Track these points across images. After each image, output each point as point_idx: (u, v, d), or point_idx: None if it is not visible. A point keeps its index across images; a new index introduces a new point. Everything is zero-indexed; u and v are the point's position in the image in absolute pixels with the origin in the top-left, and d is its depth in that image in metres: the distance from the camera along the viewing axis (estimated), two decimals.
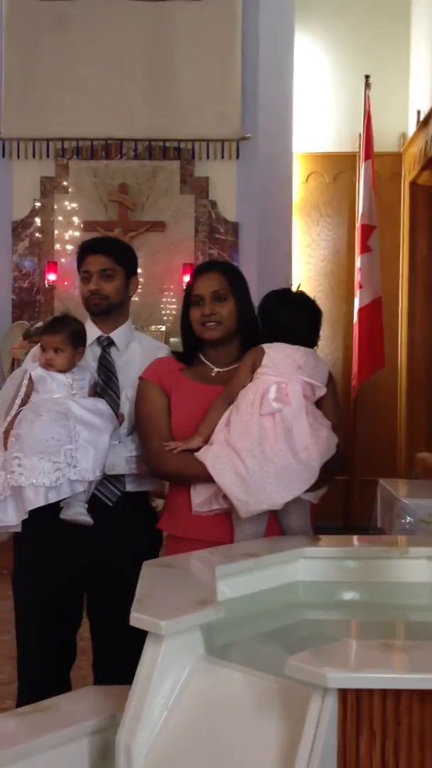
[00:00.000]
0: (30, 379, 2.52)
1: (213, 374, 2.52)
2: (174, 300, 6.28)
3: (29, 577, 2.62)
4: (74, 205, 6.40)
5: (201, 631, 1.57)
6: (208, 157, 6.30)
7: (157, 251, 6.33)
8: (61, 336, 2.52)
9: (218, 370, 2.52)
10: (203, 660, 1.55)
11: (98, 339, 2.67)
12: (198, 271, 2.58)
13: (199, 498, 2.39)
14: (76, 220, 6.38)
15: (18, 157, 6.36)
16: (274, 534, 2.35)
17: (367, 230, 6.27)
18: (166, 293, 6.34)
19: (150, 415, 2.52)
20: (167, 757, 1.45)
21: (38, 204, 6.39)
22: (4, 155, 6.34)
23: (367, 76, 6.39)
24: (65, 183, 6.40)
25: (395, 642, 1.60)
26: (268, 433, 2.28)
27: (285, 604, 2.01)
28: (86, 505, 2.48)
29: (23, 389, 2.51)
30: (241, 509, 2.27)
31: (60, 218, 6.39)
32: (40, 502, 2.36)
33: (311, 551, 2.11)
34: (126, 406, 2.60)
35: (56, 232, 6.37)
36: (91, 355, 2.65)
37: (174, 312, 6.25)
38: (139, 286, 6.25)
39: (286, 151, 6.48)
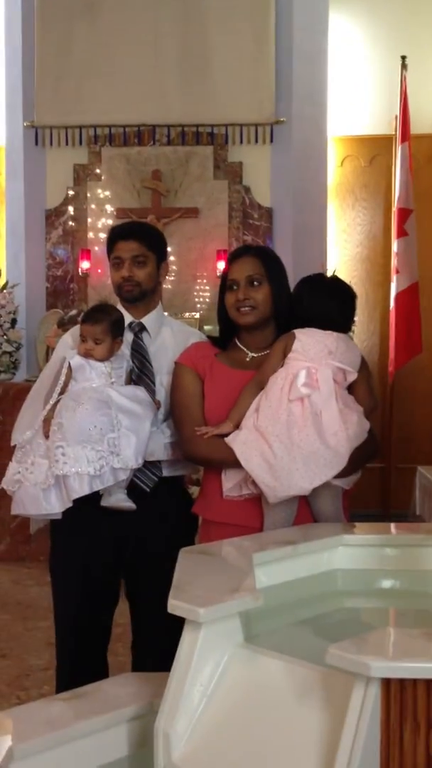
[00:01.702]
0: (69, 367, 2.53)
1: (248, 359, 2.53)
2: (207, 287, 6.26)
3: (67, 564, 2.64)
4: (107, 192, 6.40)
5: (239, 619, 1.56)
6: (241, 142, 6.25)
7: (190, 238, 6.31)
8: (102, 326, 2.53)
9: (253, 355, 2.53)
10: (242, 648, 1.54)
11: (130, 325, 2.68)
12: (233, 256, 2.57)
13: (230, 483, 2.40)
14: (109, 207, 6.38)
15: (51, 145, 6.36)
16: (304, 520, 2.34)
17: (404, 214, 6.19)
18: (199, 280, 6.32)
19: (183, 400, 2.53)
20: (206, 745, 1.45)
21: (71, 192, 6.40)
22: (37, 143, 6.34)
23: (403, 57, 6.29)
24: (98, 170, 6.40)
25: None
26: (297, 419, 2.27)
27: (323, 592, 1.99)
28: (126, 491, 2.50)
29: (62, 377, 2.52)
30: (269, 495, 2.27)
31: (93, 206, 6.40)
32: (85, 491, 2.37)
33: (350, 539, 2.09)
34: (161, 392, 2.61)
35: (89, 219, 6.38)
36: (124, 342, 2.65)
37: (208, 299, 6.23)
38: (173, 273, 6.33)
39: (320, 134, 6.42)
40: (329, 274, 2.59)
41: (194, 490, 5.00)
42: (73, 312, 5.91)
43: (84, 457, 2.36)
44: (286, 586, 1.90)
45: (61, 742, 1.55)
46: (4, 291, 6.10)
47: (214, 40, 6.19)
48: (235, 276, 2.49)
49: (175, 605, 1.52)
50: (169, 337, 2.69)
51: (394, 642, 1.37)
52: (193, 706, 1.48)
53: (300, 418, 2.27)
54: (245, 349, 2.55)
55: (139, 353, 2.64)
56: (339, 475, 2.29)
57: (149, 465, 2.56)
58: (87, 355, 2.53)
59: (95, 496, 2.47)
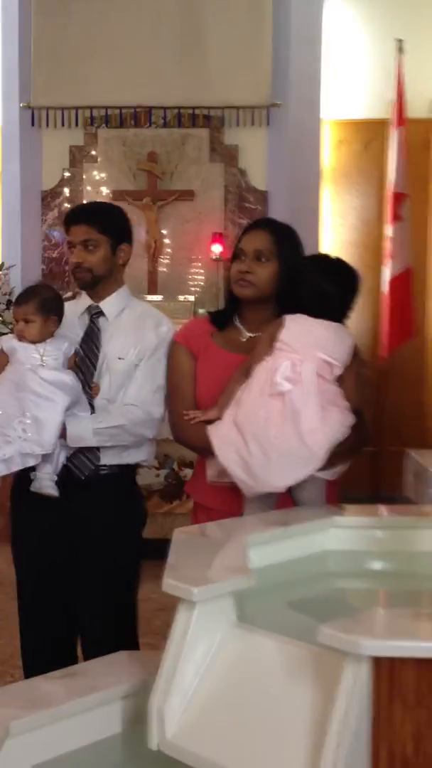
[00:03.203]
0: (2, 350, 2.51)
1: (243, 339, 2.48)
2: (202, 270, 6.25)
3: (17, 549, 2.67)
4: (103, 174, 6.37)
5: (232, 599, 1.57)
6: (237, 125, 6.22)
7: (186, 221, 6.29)
8: (30, 306, 2.49)
9: (249, 334, 2.48)
10: (235, 627, 1.55)
11: (88, 308, 2.63)
12: (250, 226, 2.52)
13: (213, 469, 2.38)
14: (104, 189, 6.35)
15: (47, 126, 6.32)
16: (284, 507, 2.31)
17: (399, 199, 6.18)
18: (194, 263, 6.30)
19: (176, 380, 2.51)
20: (199, 723, 1.46)
21: (67, 174, 6.37)
22: (33, 124, 6.30)
23: (399, 41, 6.26)
24: (94, 152, 6.36)
25: (429, 611, 1.59)
26: (275, 415, 2.20)
27: (315, 573, 2.00)
28: (55, 477, 2.48)
29: None
30: (245, 490, 2.24)
31: (89, 188, 6.37)
32: None
33: (341, 520, 2.10)
34: (105, 378, 2.55)
35: (85, 201, 6.35)
36: (81, 325, 2.61)
37: (202, 282, 6.22)
38: (167, 256, 6.30)
39: (316, 118, 6.39)
40: (334, 256, 2.52)
41: (186, 472, 5.03)
42: (68, 294, 5.89)
43: None
44: (278, 567, 1.91)
45: (55, 719, 1.56)
46: (0, 272, 6.08)
47: (211, 22, 6.15)
48: (245, 247, 2.43)
49: (169, 584, 1.53)
50: (129, 321, 2.62)
51: (384, 621, 1.39)
52: (187, 684, 1.49)
53: (278, 415, 2.20)
54: (242, 328, 2.50)
55: (90, 338, 2.60)
56: (322, 468, 2.25)
57: (86, 452, 2.52)
58: (19, 335, 2.50)
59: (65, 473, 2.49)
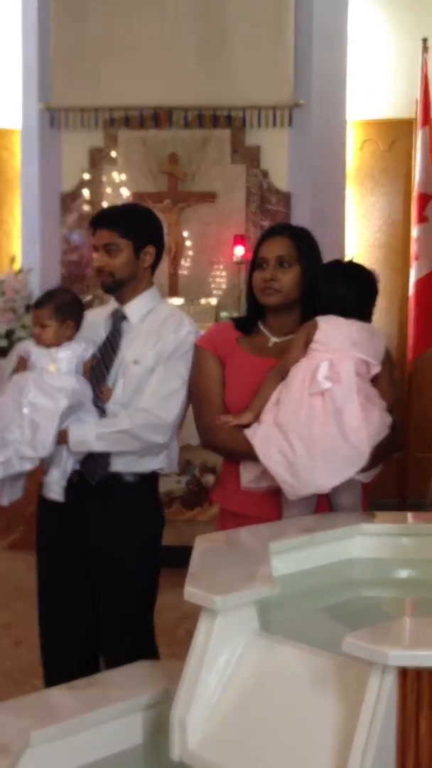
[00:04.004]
0: (19, 354, 2.56)
1: (269, 344, 2.49)
2: (224, 273, 6.25)
3: (38, 556, 2.69)
4: (123, 176, 6.39)
5: (255, 607, 1.57)
6: (259, 125, 6.22)
7: (207, 223, 6.29)
8: (46, 310, 2.52)
9: (275, 340, 2.49)
10: (258, 636, 1.55)
11: (113, 312, 2.65)
12: (268, 233, 2.52)
13: (249, 475, 2.37)
14: (125, 191, 6.37)
15: (66, 128, 6.35)
16: (323, 512, 2.33)
17: (424, 199, 6.16)
18: (216, 266, 6.31)
19: (203, 386, 2.50)
20: (222, 733, 1.46)
21: (87, 176, 6.39)
22: (53, 126, 6.34)
23: (424, 40, 6.24)
24: (114, 154, 6.38)
25: None
26: (317, 414, 2.23)
27: (340, 581, 2.00)
28: (63, 483, 2.51)
29: (12, 363, 2.56)
30: (289, 492, 2.24)
31: (108, 190, 6.39)
32: None
33: (367, 528, 2.09)
34: (120, 383, 2.55)
35: (105, 203, 6.37)
36: (105, 328, 2.63)
37: (224, 285, 6.22)
38: (188, 259, 6.30)
39: (339, 118, 6.38)
40: (348, 259, 2.56)
41: (208, 479, 5.03)
42: (88, 298, 5.92)
43: None
44: (303, 575, 1.91)
45: (76, 729, 1.56)
46: (19, 275, 6.11)
47: (233, 21, 6.16)
48: (266, 254, 2.45)
49: (191, 593, 1.53)
50: (152, 324, 2.61)
51: (411, 631, 1.38)
52: (209, 694, 1.49)
53: (321, 414, 2.23)
54: (268, 333, 2.50)
55: (110, 342, 2.60)
56: (359, 471, 2.26)
57: (97, 457, 2.52)
58: (36, 339, 2.53)
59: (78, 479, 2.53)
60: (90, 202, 6.37)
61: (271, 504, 2.34)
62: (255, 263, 2.48)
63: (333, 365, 2.26)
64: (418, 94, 6.29)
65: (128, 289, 2.63)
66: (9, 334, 5.94)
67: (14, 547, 5.44)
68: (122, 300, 2.65)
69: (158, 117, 6.29)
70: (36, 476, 2.63)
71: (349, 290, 2.38)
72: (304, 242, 2.47)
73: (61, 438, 2.46)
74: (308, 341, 2.33)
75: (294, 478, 2.21)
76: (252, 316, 2.54)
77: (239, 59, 6.15)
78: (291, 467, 2.21)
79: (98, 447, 2.49)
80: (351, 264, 2.52)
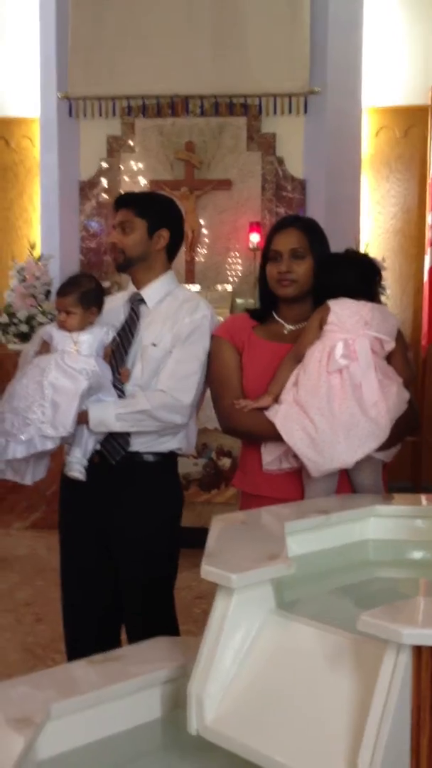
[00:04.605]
0: (41, 338, 2.59)
1: (285, 332, 2.52)
2: (240, 260, 6.23)
3: (61, 534, 2.71)
4: (140, 164, 6.38)
5: (272, 586, 1.58)
6: (275, 113, 6.18)
7: (223, 210, 6.28)
8: (71, 298, 2.56)
9: (290, 327, 2.52)
10: (274, 614, 1.55)
11: (131, 296, 2.67)
12: (278, 226, 2.54)
13: (270, 456, 2.39)
14: (142, 179, 6.36)
15: (84, 116, 6.34)
16: (344, 492, 2.34)
17: None
18: (232, 253, 6.29)
19: (221, 374, 2.53)
20: (238, 709, 1.46)
21: (105, 164, 6.39)
22: (71, 115, 6.33)
23: None
24: (131, 142, 6.37)
25: None
26: (336, 391, 2.26)
27: (355, 562, 2.00)
28: (85, 462, 2.54)
29: (34, 347, 2.59)
30: (312, 469, 2.26)
31: (126, 178, 6.38)
32: (9, 455, 2.45)
33: (381, 509, 2.09)
34: (138, 365, 2.57)
35: (122, 192, 6.37)
36: (124, 312, 2.65)
37: (240, 272, 6.21)
38: (204, 246, 6.29)
39: (355, 105, 6.33)
40: (363, 248, 2.58)
41: (225, 462, 5.04)
42: (107, 284, 5.92)
43: (10, 422, 2.44)
44: (318, 555, 1.91)
45: (95, 702, 1.57)
46: (39, 263, 6.12)
47: (248, 10, 6.12)
48: (279, 247, 2.47)
49: (208, 571, 1.53)
50: (169, 308, 2.63)
51: (425, 610, 1.37)
52: (226, 671, 1.50)
53: (339, 391, 2.25)
54: (283, 322, 2.54)
55: (128, 326, 2.63)
56: (380, 448, 2.28)
57: (116, 437, 2.54)
58: (61, 326, 2.56)
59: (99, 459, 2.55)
60: (108, 191, 6.36)
61: (293, 485, 2.36)
62: (267, 256, 2.49)
63: (348, 344, 2.29)
64: None
65: (141, 270, 2.65)
66: (29, 320, 5.96)
67: (36, 526, 5.48)
68: (138, 283, 2.67)
69: (175, 105, 6.27)
70: (59, 457, 2.66)
71: (351, 274, 2.41)
72: (314, 233, 2.51)
73: (82, 418, 2.48)
74: (322, 324, 2.35)
75: (317, 454, 2.23)
76: (265, 307, 2.56)
77: (255, 47, 6.11)
78: (314, 443, 2.23)
79: (117, 427, 2.52)
80: (347, 251, 2.56)
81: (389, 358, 2.37)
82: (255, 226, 6.07)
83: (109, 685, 1.60)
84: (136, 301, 2.66)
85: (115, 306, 2.68)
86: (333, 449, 2.23)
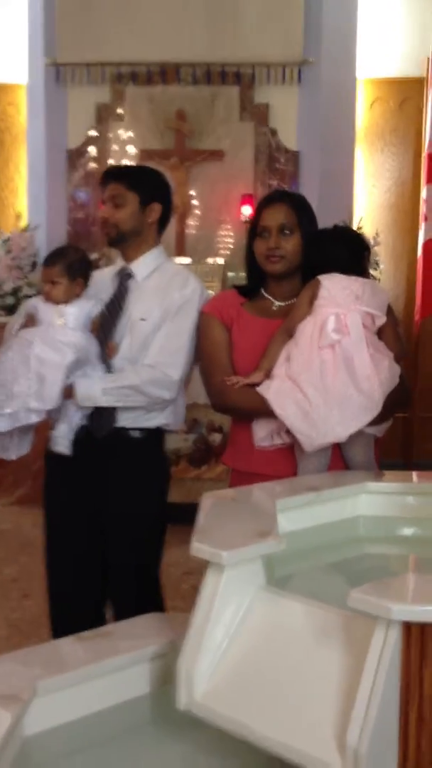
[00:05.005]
0: (29, 313, 2.58)
1: (274, 308, 2.52)
2: (232, 233, 6.21)
3: (45, 510, 2.73)
4: (130, 133, 6.33)
5: (262, 562, 1.59)
6: (268, 82, 6.14)
7: (214, 181, 6.24)
8: (57, 268, 2.55)
9: (279, 303, 2.52)
10: (264, 590, 1.56)
11: (119, 270, 2.67)
12: (266, 202, 2.54)
13: (262, 432, 2.40)
14: (131, 148, 6.31)
15: (73, 83, 6.27)
16: (337, 468, 2.35)
17: None
18: (223, 225, 6.27)
19: (211, 351, 2.53)
20: (227, 685, 1.48)
21: (93, 132, 6.33)
22: (58, 80, 6.25)
23: None
24: (121, 110, 6.31)
25: None
26: (329, 365, 2.27)
27: (346, 538, 2.01)
28: (71, 436, 2.55)
29: (20, 320, 2.59)
30: (306, 443, 2.27)
31: (115, 147, 6.33)
32: None
33: (372, 486, 2.11)
34: (126, 339, 2.57)
35: (111, 161, 6.32)
36: (112, 286, 2.65)
37: (232, 245, 6.19)
38: (196, 218, 6.26)
39: (349, 75, 6.30)
40: (357, 222, 2.58)
41: (215, 437, 5.05)
42: (95, 256, 5.89)
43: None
44: (309, 532, 1.92)
45: (83, 678, 1.59)
46: (25, 233, 6.08)
47: None
48: (267, 223, 2.47)
49: (198, 548, 1.54)
50: (158, 282, 2.64)
51: (415, 587, 1.39)
52: (215, 647, 1.51)
53: (332, 365, 2.27)
54: (271, 298, 2.54)
55: (116, 299, 2.63)
56: (372, 422, 2.29)
57: (103, 412, 2.55)
58: (47, 297, 2.55)
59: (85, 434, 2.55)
60: (96, 159, 6.31)
61: (285, 462, 2.37)
62: (255, 232, 2.49)
63: (340, 319, 2.30)
64: (429, 52, 6.18)
65: (133, 245, 2.64)
66: (15, 292, 5.93)
67: (21, 502, 5.49)
68: (128, 257, 2.66)
69: (166, 73, 6.21)
70: (43, 432, 2.66)
71: (340, 250, 2.42)
72: (302, 209, 2.51)
73: (68, 393, 2.48)
74: (313, 299, 2.36)
75: (311, 427, 2.25)
76: (254, 283, 2.56)
77: (248, 15, 6.05)
78: (307, 417, 2.24)
79: (104, 401, 2.52)
80: (335, 227, 2.56)
81: (380, 332, 2.38)
82: (247, 198, 6.04)
83: (97, 661, 1.61)
84: (125, 275, 2.66)
85: (104, 279, 2.68)
86: (326, 423, 2.24)
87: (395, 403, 2.36)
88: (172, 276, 2.65)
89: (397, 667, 1.29)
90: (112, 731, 1.57)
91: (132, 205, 2.60)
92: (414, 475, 2.37)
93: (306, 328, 2.32)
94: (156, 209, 2.65)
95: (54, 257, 2.58)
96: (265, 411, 2.31)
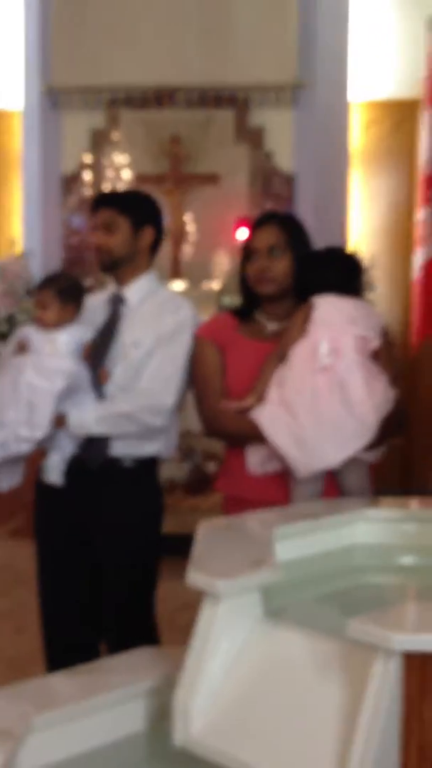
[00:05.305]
0: (21, 340, 2.59)
1: (268, 331, 2.53)
2: (227, 256, 6.23)
3: (37, 544, 2.71)
4: (125, 157, 6.36)
5: (259, 593, 1.58)
6: (263, 105, 6.18)
7: (210, 205, 6.26)
8: (47, 293, 2.56)
9: (274, 326, 2.52)
10: (262, 622, 1.56)
11: (111, 295, 2.67)
12: (256, 223, 2.56)
13: (255, 458, 2.40)
14: (126, 173, 6.35)
15: (69, 108, 6.31)
16: (331, 495, 2.35)
17: (431, 181, 6.13)
18: (219, 249, 6.29)
19: (204, 375, 2.53)
20: (226, 720, 1.47)
21: (88, 157, 6.37)
22: (55, 107, 6.30)
23: (430, 18, 6.20)
24: (116, 135, 6.35)
25: None
26: (322, 390, 2.27)
27: (343, 567, 2.01)
28: (63, 466, 2.54)
29: (12, 348, 2.59)
30: (298, 469, 2.27)
31: (110, 172, 6.37)
32: None
33: (370, 514, 2.10)
34: (119, 366, 2.56)
35: (106, 186, 6.35)
36: (104, 312, 2.65)
37: (227, 269, 6.21)
38: (191, 242, 6.27)
39: (344, 98, 6.34)
40: (351, 246, 2.60)
41: (211, 466, 5.04)
42: (89, 282, 5.91)
43: None
44: (306, 561, 1.92)
45: (78, 714, 1.58)
46: (20, 259, 6.10)
47: (236, 0, 6.12)
48: (256, 245, 2.49)
49: (194, 578, 1.54)
50: (150, 308, 2.64)
51: (415, 616, 1.39)
52: (212, 680, 1.50)
53: (325, 389, 2.27)
54: (265, 320, 2.55)
55: (108, 326, 2.63)
56: (367, 447, 2.29)
57: (96, 442, 2.54)
58: (38, 321, 2.57)
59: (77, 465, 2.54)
60: (91, 184, 6.34)
61: (278, 488, 2.36)
62: (247, 254, 2.50)
63: (333, 342, 2.30)
64: (423, 73, 6.24)
65: (126, 270, 2.65)
66: (10, 319, 5.94)
67: (15, 534, 5.46)
68: (121, 283, 2.67)
69: (160, 97, 6.26)
70: (34, 463, 2.65)
71: (334, 272, 2.43)
72: (293, 229, 2.52)
73: (60, 422, 2.48)
74: (306, 321, 2.36)
75: (303, 454, 2.24)
76: (248, 305, 2.57)
77: (242, 39, 6.11)
78: (299, 443, 2.24)
79: (97, 430, 2.51)
80: (327, 249, 2.57)
81: (375, 356, 2.38)
82: (242, 222, 6.07)
83: (91, 696, 1.60)
84: (118, 300, 2.66)
85: (95, 305, 2.68)
86: (319, 449, 2.24)
87: (391, 428, 2.36)
88: (165, 301, 2.66)
89: (398, 698, 1.29)
90: None
91: (124, 230, 2.61)
92: (412, 502, 2.37)
93: (299, 352, 2.32)
94: (148, 233, 2.66)
95: (46, 282, 2.61)
96: (257, 436, 2.31)
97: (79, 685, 1.67)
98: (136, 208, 2.65)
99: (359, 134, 6.56)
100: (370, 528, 2.07)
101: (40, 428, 2.44)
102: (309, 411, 2.25)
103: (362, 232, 6.46)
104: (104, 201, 2.68)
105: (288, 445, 2.26)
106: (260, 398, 2.36)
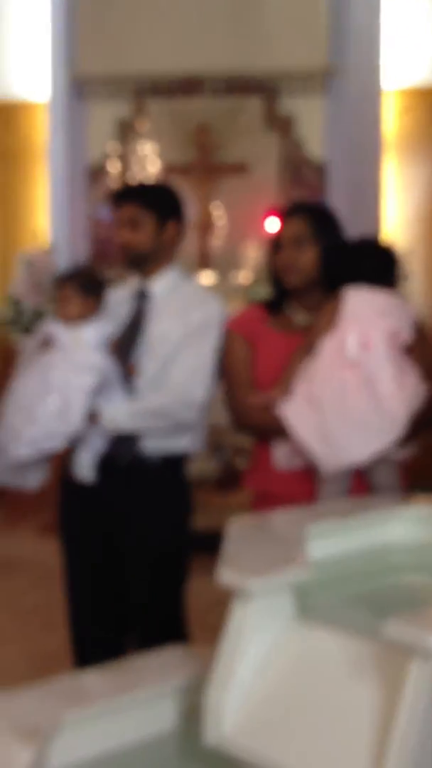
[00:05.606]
0: (46, 336, 2.60)
1: (297, 323, 2.52)
2: (257, 247, 6.22)
3: (64, 541, 2.73)
4: (152, 147, 6.37)
5: (291, 592, 1.58)
6: (293, 93, 6.15)
7: (238, 195, 6.26)
8: (69, 285, 2.59)
9: (302, 317, 2.52)
10: (294, 621, 1.56)
11: (136, 289, 2.68)
12: (283, 215, 2.56)
13: (282, 452, 2.40)
14: (153, 162, 6.35)
15: (94, 98, 6.33)
16: (361, 492, 2.34)
17: None
18: (248, 240, 6.28)
19: (233, 369, 2.54)
20: (257, 719, 1.48)
21: (114, 148, 6.38)
22: (81, 97, 6.31)
23: None
24: (142, 124, 6.36)
25: None
26: (350, 385, 2.26)
27: (378, 567, 2.00)
28: (92, 463, 2.55)
29: (37, 343, 2.61)
30: (324, 466, 2.26)
31: (136, 162, 6.38)
32: (12, 455, 2.49)
33: (405, 512, 2.09)
34: (147, 361, 2.57)
35: (133, 177, 6.37)
36: (130, 306, 2.66)
37: (257, 259, 6.20)
38: (220, 232, 6.27)
39: (376, 85, 6.30)
40: (387, 235, 2.58)
41: (241, 462, 5.03)
42: (114, 275, 5.92)
43: (15, 420, 2.47)
44: (339, 560, 1.91)
45: (108, 712, 1.59)
46: (47, 253, 6.13)
47: None
48: (282, 236, 2.49)
49: (224, 576, 1.55)
50: (177, 301, 2.65)
51: None
52: (244, 679, 1.51)
53: (353, 384, 2.26)
54: (295, 312, 2.55)
55: (134, 321, 2.64)
56: (397, 444, 2.27)
57: (126, 438, 2.55)
58: (60, 315, 2.58)
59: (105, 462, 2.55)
60: (118, 176, 6.35)
61: (305, 484, 2.37)
62: (275, 245, 2.51)
63: (362, 335, 2.29)
64: None
65: (152, 264, 2.66)
66: (37, 312, 5.98)
67: (44, 530, 5.51)
68: (146, 276, 2.68)
69: (188, 85, 6.25)
70: (60, 460, 2.66)
71: (366, 263, 2.42)
72: (321, 220, 2.52)
73: (92, 419, 2.49)
74: (335, 314, 2.34)
75: (330, 450, 2.23)
76: (278, 297, 2.57)
77: (271, 25, 6.08)
78: (325, 439, 2.23)
79: (129, 425, 2.53)
80: (365, 239, 2.56)
81: (407, 350, 2.36)
82: (272, 212, 6.05)
83: (121, 694, 1.61)
84: (143, 295, 2.67)
85: (119, 299, 2.69)
86: (345, 445, 2.23)
87: (422, 424, 2.34)
88: (191, 295, 2.67)
89: None
90: None
91: (150, 226, 2.62)
92: None
93: (327, 345, 2.31)
94: (172, 227, 2.66)
95: (67, 275, 2.64)
96: (283, 431, 2.31)
97: (109, 682, 1.69)
98: (161, 203, 2.66)
99: (393, 122, 6.52)
100: (405, 526, 2.06)
101: (72, 424, 2.46)
102: (335, 406, 2.24)
103: (397, 221, 6.42)
104: (128, 195, 2.68)
105: (312, 439, 2.26)
106: (286, 391, 2.35)
